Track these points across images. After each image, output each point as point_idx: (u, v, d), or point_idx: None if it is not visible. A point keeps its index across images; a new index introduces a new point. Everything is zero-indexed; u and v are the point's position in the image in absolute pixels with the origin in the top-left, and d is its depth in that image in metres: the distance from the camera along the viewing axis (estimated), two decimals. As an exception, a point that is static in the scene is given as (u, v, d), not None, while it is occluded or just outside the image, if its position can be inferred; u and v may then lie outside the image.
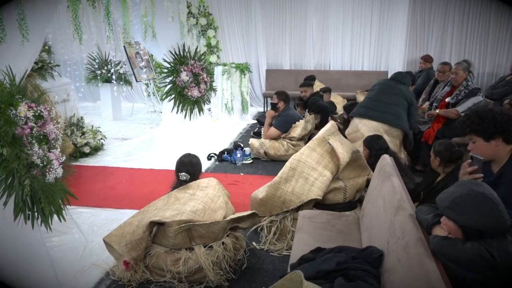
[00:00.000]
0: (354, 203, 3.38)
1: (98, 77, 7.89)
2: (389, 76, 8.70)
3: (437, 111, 4.83)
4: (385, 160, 2.81)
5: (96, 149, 5.77)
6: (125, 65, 8.24)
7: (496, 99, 5.90)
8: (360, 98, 7.50)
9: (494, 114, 2.15)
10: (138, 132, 7.10)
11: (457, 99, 4.75)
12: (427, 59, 7.36)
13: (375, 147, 3.69)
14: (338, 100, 7.64)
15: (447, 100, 4.94)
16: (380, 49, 8.96)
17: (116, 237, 2.71)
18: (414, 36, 8.67)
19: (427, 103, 5.64)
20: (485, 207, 1.64)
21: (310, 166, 3.31)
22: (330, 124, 3.62)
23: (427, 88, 6.06)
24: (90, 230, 3.54)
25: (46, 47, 5.80)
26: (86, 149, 5.57)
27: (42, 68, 5.53)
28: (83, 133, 5.69)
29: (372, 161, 3.47)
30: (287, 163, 3.39)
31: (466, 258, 1.60)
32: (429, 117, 5.02)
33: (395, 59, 8.86)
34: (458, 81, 4.81)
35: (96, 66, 7.97)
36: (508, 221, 1.66)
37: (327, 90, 7.13)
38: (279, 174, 3.35)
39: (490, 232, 1.63)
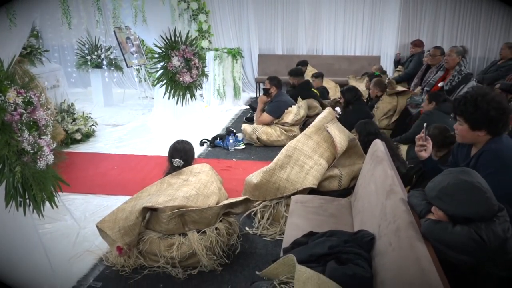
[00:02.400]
0: (348, 190, 3.38)
1: (88, 63, 7.79)
2: (381, 61, 8.72)
3: None
4: (377, 145, 2.82)
5: (87, 136, 5.73)
6: (116, 50, 8.13)
7: (487, 84, 5.91)
8: (352, 83, 7.51)
9: (489, 108, 2.10)
10: (130, 118, 7.05)
11: (451, 85, 4.75)
12: (417, 44, 7.36)
13: (363, 133, 3.67)
14: (330, 85, 7.63)
15: (439, 84, 4.94)
16: (372, 34, 8.92)
17: (109, 223, 2.71)
18: (406, 21, 8.64)
19: (419, 88, 5.65)
20: (473, 196, 1.65)
21: (306, 154, 3.31)
22: (327, 111, 3.60)
23: (419, 73, 6.07)
24: (83, 217, 3.53)
25: (35, 32, 5.70)
26: (78, 136, 5.53)
27: (30, 53, 5.44)
28: (74, 120, 5.64)
29: (363, 147, 3.47)
30: (283, 150, 3.38)
31: (457, 240, 1.63)
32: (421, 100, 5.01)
33: (387, 44, 8.84)
34: (450, 64, 4.81)
35: (86, 52, 7.86)
36: (495, 206, 1.67)
37: (320, 75, 7.11)
38: (275, 160, 3.34)
39: (478, 218, 1.65)
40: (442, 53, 5.53)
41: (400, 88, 5.73)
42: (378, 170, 2.46)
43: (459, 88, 4.65)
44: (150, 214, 2.85)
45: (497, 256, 1.60)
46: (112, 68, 7.94)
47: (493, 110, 2.10)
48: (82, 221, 3.43)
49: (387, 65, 8.73)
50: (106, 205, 3.73)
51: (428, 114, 4.08)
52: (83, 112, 5.94)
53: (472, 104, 2.15)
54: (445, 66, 4.93)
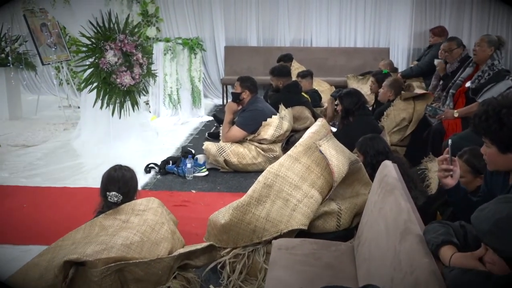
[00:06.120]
0: (350, 231, 3.39)
1: (-14, 59, 7.71)
2: (390, 55, 8.90)
3: (455, 113, 4.87)
4: (387, 168, 2.87)
5: (-15, 161, 5.63)
6: (26, 41, 8.06)
7: None
8: (353, 84, 7.63)
9: None
10: (46, 136, 6.98)
11: (479, 83, 4.84)
12: (438, 32, 7.55)
13: (370, 152, 3.70)
14: (323, 88, 7.71)
15: (467, 85, 5.05)
16: (378, 20, 9.09)
17: (17, 285, 2.65)
18: (422, 2, 8.87)
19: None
20: None
21: (292, 183, 3.31)
22: (320, 124, 3.62)
23: (437, 72, 6.24)
24: (-22, 276, 3.45)
25: None
26: (-29, 161, 5.43)
27: None
28: (-34, 139, 5.55)
29: (370, 171, 3.52)
30: (260, 178, 3.38)
31: None
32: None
33: (398, 33, 9.02)
34: (479, 56, 4.93)
35: (-17, 44, 7.78)
36: None
37: (308, 74, 7.16)
38: (249, 192, 3.34)
39: None
40: (459, 44, 5.70)
41: (418, 90, 5.81)
42: (388, 203, 2.50)
43: (487, 86, 4.73)
44: (75, 270, 2.80)
45: None
46: (21, 67, 7.89)
47: None
48: (-23, 283, 3.35)
49: (398, 60, 8.91)
50: (12, 258, 3.65)
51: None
52: (-21, 128, 5.85)
53: (496, 119, 2.19)
54: (474, 59, 5.07)
